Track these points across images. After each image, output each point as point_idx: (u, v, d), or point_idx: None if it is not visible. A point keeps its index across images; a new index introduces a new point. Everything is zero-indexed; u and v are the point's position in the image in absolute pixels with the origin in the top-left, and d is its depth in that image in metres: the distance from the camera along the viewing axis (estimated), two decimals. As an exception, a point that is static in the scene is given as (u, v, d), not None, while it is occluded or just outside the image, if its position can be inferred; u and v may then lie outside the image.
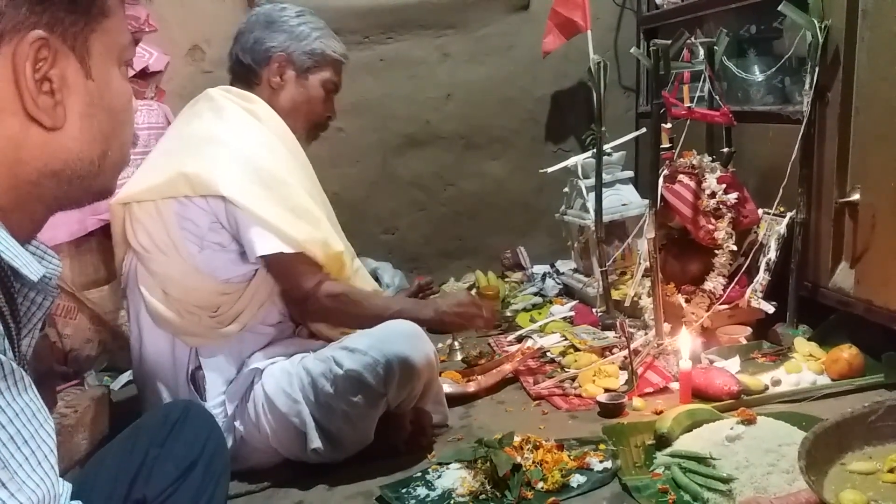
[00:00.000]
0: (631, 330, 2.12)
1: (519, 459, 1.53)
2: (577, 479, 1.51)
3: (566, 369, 2.11)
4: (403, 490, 1.54)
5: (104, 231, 1.95)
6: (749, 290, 2.12)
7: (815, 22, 1.90)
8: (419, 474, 1.60)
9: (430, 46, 3.15)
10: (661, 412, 1.74)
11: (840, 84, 1.91)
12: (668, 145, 2.15)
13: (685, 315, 2.14)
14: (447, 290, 2.12)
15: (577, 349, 2.21)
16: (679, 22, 2.70)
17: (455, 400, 1.97)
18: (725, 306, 2.12)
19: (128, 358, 1.85)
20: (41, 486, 0.63)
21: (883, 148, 1.78)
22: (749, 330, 2.12)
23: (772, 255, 2.12)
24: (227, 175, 1.63)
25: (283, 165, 1.73)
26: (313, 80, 1.87)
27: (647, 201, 2.21)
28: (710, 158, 2.18)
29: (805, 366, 1.90)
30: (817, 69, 1.93)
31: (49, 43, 0.69)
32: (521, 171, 3.26)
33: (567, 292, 2.87)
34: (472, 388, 2.03)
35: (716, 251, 2.13)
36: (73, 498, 0.70)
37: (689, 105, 2.18)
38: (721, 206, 2.10)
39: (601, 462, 1.56)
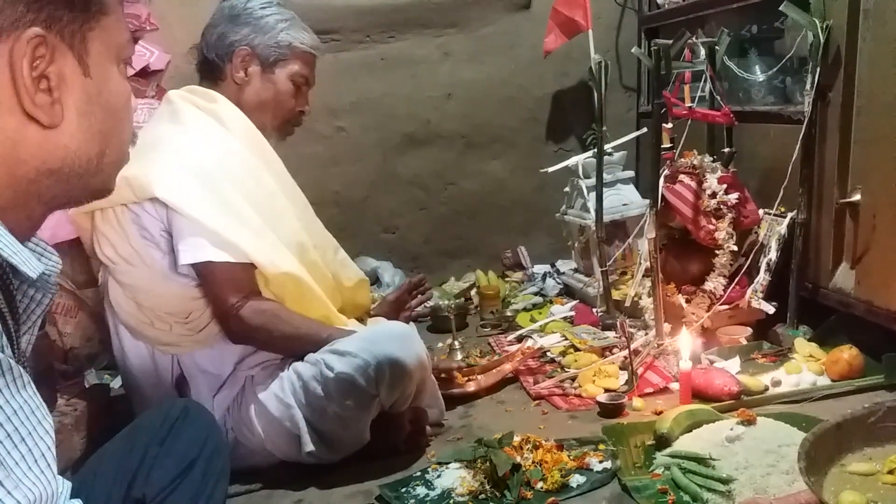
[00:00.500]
0: (631, 330, 2.12)
1: (518, 459, 1.53)
2: (576, 480, 1.50)
3: (566, 369, 2.11)
4: (403, 489, 1.54)
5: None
6: (749, 291, 2.12)
7: (817, 22, 1.90)
8: (419, 474, 1.60)
9: (431, 45, 3.15)
10: (661, 412, 1.74)
11: (841, 84, 1.90)
12: (668, 145, 2.15)
13: (685, 315, 2.13)
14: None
15: (577, 349, 2.21)
16: (680, 22, 2.70)
17: (455, 400, 1.97)
18: (726, 307, 2.12)
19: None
20: (37, 483, 0.63)
21: (884, 148, 1.78)
22: (749, 330, 2.12)
23: (772, 255, 2.12)
24: (164, 177, 1.57)
25: (238, 169, 1.67)
26: (280, 74, 1.79)
27: (647, 201, 2.20)
28: (711, 158, 2.18)
29: (805, 366, 1.90)
30: (818, 69, 1.93)
31: (47, 40, 0.69)
32: (521, 171, 3.26)
33: (567, 292, 2.87)
34: (471, 387, 2.03)
35: (716, 251, 2.13)
36: (72, 496, 0.70)
37: (690, 105, 2.18)
38: (722, 207, 2.09)
39: (601, 462, 1.55)
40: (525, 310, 2.73)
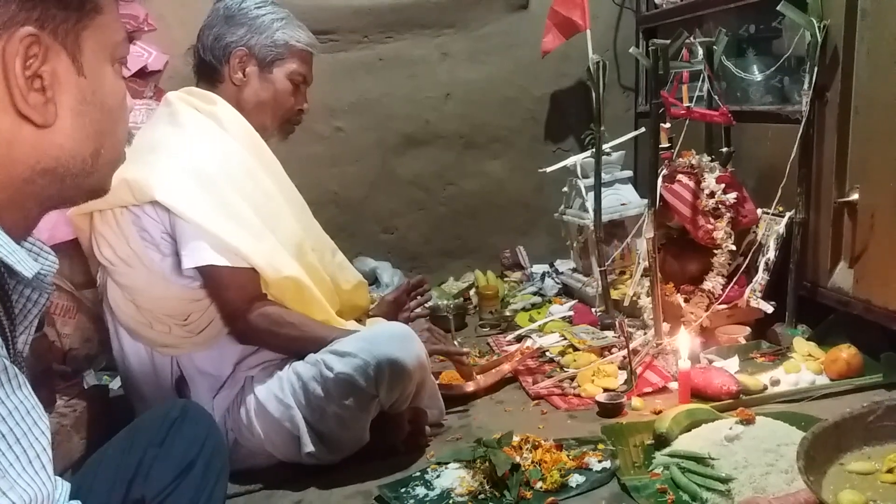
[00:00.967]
0: (630, 330, 2.13)
1: (518, 459, 1.53)
2: (575, 479, 1.50)
3: (565, 369, 2.11)
4: (402, 490, 1.54)
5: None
6: (748, 290, 2.12)
7: (815, 21, 1.90)
8: (418, 474, 1.60)
9: (430, 46, 3.15)
10: (660, 412, 1.74)
11: (839, 84, 1.91)
12: (667, 145, 2.15)
13: (684, 315, 2.14)
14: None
15: (576, 349, 2.21)
16: (678, 21, 2.70)
17: (454, 400, 1.97)
18: (724, 306, 2.12)
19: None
20: (32, 485, 0.63)
21: (882, 148, 1.78)
22: (748, 330, 2.12)
23: (771, 254, 2.12)
24: (165, 180, 1.57)
25: (238, 172, 1.67)
26: (278, 74, 1.79)
27: (646, 201, 2.21)
28: (709, 158, 2.18)
29: (804, 366, 1.90)
30: (816, 69, 1.93)
31: (40, 39, 0.68)
32: (520, 171, 3.26)
33: (566, 292, 2.87)
34: (470, 387, 2.03)
35: (715, 251, 2.13)
36: (71, 497, 0.70)
37: (688, 105, 2.18)
38: (720, 206, 2.10)
39: (600, 462, 1.55)
40: (524, 310, 2.73)
